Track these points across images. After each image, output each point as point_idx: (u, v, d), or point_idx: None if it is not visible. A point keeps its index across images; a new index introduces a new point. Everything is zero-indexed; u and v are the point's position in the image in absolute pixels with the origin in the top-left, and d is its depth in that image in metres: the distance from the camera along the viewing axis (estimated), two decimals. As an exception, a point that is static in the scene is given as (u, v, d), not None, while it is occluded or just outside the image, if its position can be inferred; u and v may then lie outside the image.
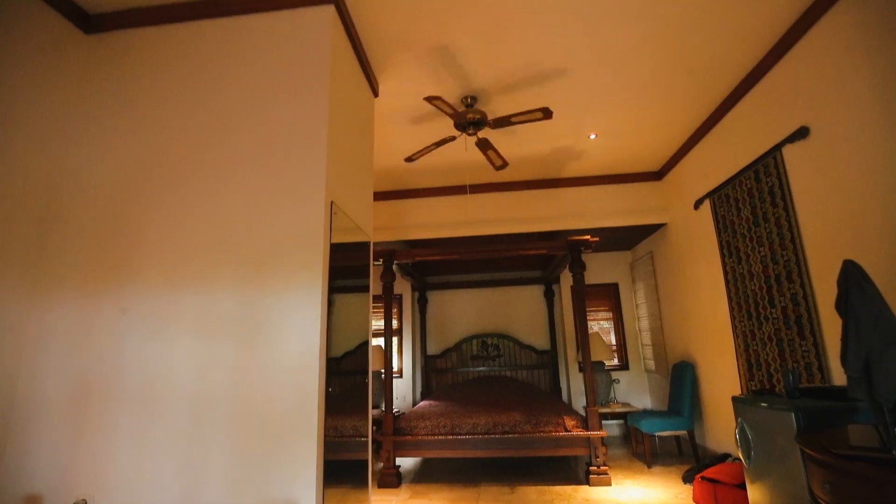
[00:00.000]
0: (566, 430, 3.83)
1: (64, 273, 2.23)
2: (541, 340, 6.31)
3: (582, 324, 4.13)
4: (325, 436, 2.08)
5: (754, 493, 2.43)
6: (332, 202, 2.27)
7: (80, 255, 2.25)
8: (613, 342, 6.09)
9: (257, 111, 2.32)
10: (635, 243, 5.96)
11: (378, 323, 5.93)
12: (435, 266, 5.97)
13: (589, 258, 6.02)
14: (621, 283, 6.22)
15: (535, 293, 6.49)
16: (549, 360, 6.18)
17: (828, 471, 1.52)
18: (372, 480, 3.17)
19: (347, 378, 2.76)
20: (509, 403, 4.63)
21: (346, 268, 2.73)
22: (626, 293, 6.18)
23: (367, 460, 2.73)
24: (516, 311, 6.44)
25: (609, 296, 6.22)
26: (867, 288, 1.39)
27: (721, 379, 3.95)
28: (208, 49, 2.44)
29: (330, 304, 2.27)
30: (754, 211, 3.35)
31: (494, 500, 3.46)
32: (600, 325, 6.17)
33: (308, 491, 1.93)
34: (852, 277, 1.42)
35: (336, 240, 2.34)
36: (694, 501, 3.23)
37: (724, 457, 3.61)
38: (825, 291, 2.70)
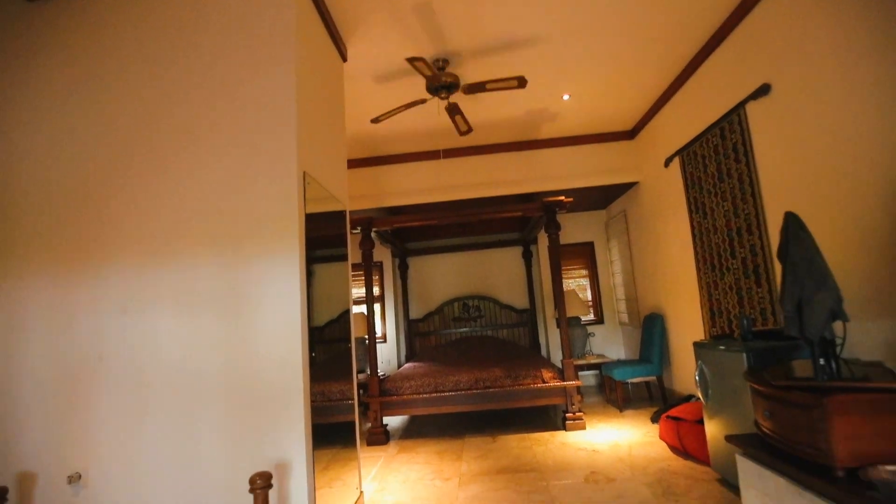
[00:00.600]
0: (544, 382, 4.05)
1: (34, 256, 2.22)
2: (520, 300, 6.50)
3: (557, 282, 4.28)
4: (313, 401, 2.19)
5: (711, 426, 2.67)
6: (304, 172, 2.28)
7: (49, 236, 2.23)
8: (590, 298, 6.33)
9: (222, 81, 2.27)
10: (610, 202, 6.10)
11: (360, 290, 6.02)
12: (414, 232, 6.02)
13: (565, 218, 6.14)
14: (597, 242, 6.39)
15: (513, 254, 6.63)
16: (528, 318, 6.40)
17: (768, 400, 1.70)
18: (360, 439, 3.34)
19: (332, 345, 2.85)
20: (490, 360, 4.83)
21: (324, 237, 2.76)
22: (601, 251, 6.37)
23: (354, 421, 2.86)
24: (496, 272, 6.59)
25: (585, 254, 6.41)
26: (804, 237, 1.51)
27: (687, 327, 4.20)
28: (165, 16, 2.35)
29: (309, 274, 2.32)
30: (719, 167, 3.47)
31: (478, 450, 3.69)
32: (577, 282, 6.38)
33: (298, 453, 2.05)
34: (792, 227, 1.54)
35: (311, 210, 2.36)
36: (660, 438, 3.52)
37: (689, 398, 3.89)
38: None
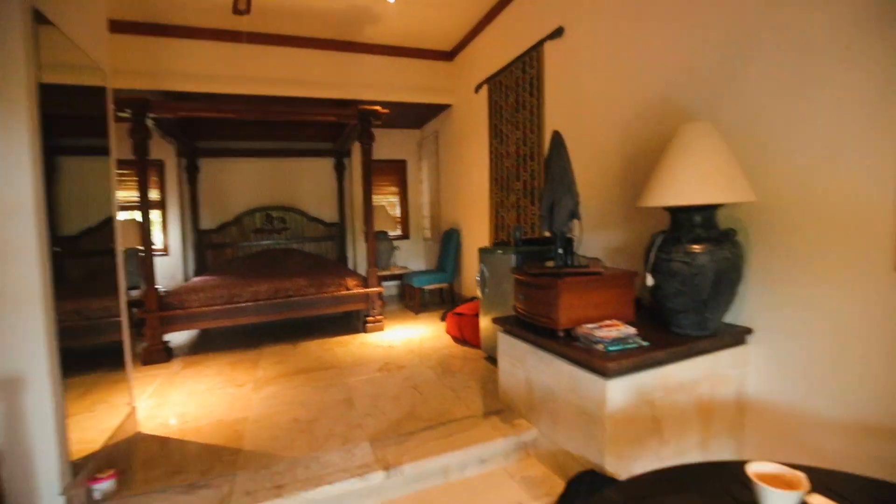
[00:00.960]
0: (348, 290, 4.18)
1: None
2: (330, 213, 6.37)
3: (368, 195, 4.32)
4: (65, 321, 1.80)
5: (484, 318, 3.21)
6: (33, 8, 1.64)
7: None
8: (398, 214, 6.62)
9: None
10: (424, 122, 6.28)
11: (131, 193, 4.96)
12: (206, 127, 5.12)
13: (380, 134, 6.09)
14: (409, 160, 6.60)
15: (325, 166, 6.34)
16: (337, 231, 6.36)
17: (524, 286, 2.13)
18: (134, 359, 2.94)
19: (92, 258, 2.35)
20: (294, 272, 4.70)
21: (74, 119, 2.14)
22: (412, 169, 6.63)
23: (121, 340, 2.46)
24: (305, 183, 6.24)
25: (397, 171, 6.57)
26: (563, 152, 1.86)
27: (476, 240, 4.83)
28: None
29: (52, 169, 1.78)
30: (517, 98, 3.89)
31: (276, 356, 3.66)
32: (388, 198, 6.56)
33: (37, 367, 1.68)
34: (556, 143, 1.87)
35: (54, 79, 1.76)
36: (446, 332, 4.09)
37: (472, 299, 4.58)
38: (551, 168, 3.46)
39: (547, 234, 1.89)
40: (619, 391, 1.67)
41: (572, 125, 3.15)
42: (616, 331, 1.83)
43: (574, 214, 1.82)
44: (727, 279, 1.81)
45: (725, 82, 2.04)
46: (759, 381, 1.99)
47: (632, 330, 1.85)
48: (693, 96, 2.20)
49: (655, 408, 1.76)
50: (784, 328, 1.88)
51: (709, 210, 1.88)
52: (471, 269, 5.02)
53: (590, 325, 1.91)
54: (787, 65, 1.80)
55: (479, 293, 3.26)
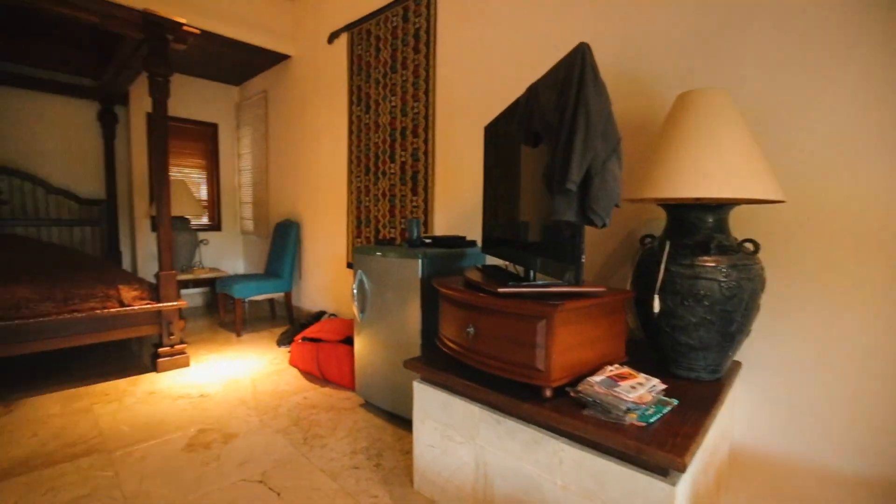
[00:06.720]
0: (123, 305, 2.62)
1: None
2: (89, 184, 4.28)
3: (161, 165, 2.80)
4: None
5: (364, 346, 2.26)
6: None
7: None
8: (205, 197, 4.92)
9: None
10: (247, 78, 4.77)
11: None
12: None
13: (182, 84, 4.40)
14: (222, 126, 4.96)
15: (81, 112, 4.21)
16: (102, 213, 4.32)
17: (466, 311, 1.33)
18: None
19: None
20: (16, 273, 2.81)
21: None
22: (227, 138, 5.01)
23: None
24: (43, 135, 4.02)
25: (205, 138, 4.87)
26: (601, 84, 1.13)
27: (327, 238, 3.75)
28: None
29: None
30: (394, 54, 3.01)
31: (-41, 437, 1.95)
32: (190, 174, 4.79)
33: None
34: (590, 67, 1.12)
35: None
36: (291, 364, 2.93)
37: (319, 315, 3.49)
38: (445, 148, 2.70)
39: (565, 220, 1.10)
40: (687, 499, 1.02)
41: (478, 96, 2.46)
42: (641, 386, 1.19)
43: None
44: (755, 303, 1.35)
45: (712, 54, 1.62)
46: (747, 426, 1.62)
47: (655, 381, 1.24)
48: (660, 69, 1.74)
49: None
50: (774, 360, 1.54)
51: (723, 210, 1.40)
52: (317, 274, 3.89)
53: (597, 379, 1.22)
54: (788, 39, 1.44)
55: (355, 312, 2.28)
